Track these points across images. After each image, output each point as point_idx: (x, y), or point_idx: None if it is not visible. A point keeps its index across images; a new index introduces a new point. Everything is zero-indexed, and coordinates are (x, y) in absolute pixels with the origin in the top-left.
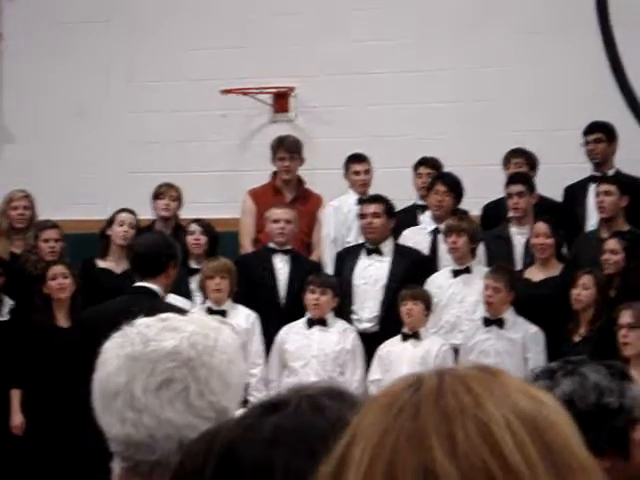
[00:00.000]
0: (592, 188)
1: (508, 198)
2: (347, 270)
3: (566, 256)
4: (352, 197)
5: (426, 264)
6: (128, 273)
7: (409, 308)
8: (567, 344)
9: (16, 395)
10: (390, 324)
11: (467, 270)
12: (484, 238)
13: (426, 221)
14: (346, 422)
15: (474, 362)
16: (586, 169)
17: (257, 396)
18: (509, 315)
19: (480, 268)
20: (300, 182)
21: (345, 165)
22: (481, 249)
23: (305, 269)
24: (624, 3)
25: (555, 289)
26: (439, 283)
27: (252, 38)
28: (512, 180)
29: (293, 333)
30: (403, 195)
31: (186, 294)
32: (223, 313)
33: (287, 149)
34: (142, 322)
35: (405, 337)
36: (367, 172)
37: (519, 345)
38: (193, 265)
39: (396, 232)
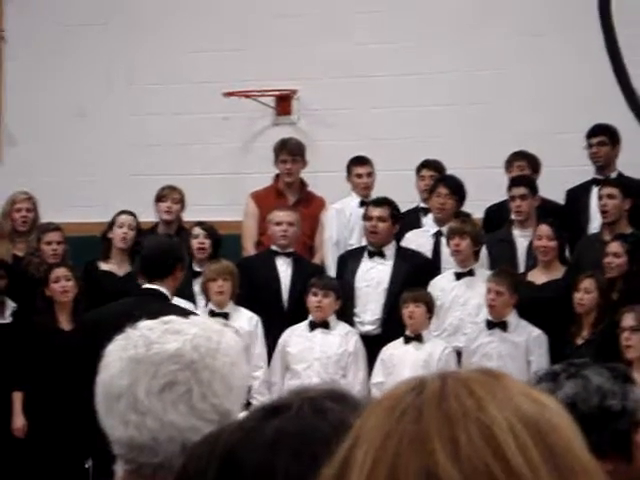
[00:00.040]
0: (595, 191)
1: (511, 201)
2: (349, 273)
3: (569, 259)
4: (354, 200)
5: (428, 267)
6: (131, 275)
7: (411, 311)
8: (570, 347)
9: (18, 397)
10: (392, 327)
11: (470, 273)
12: (487, 241)
13: (429, 224)
14: (348, 425)
15: (477, 365)
16: (588, 172)
17: (260, 399)
18: (512, 318)
19: (483, 271)
20: (302, 185)
21: (347, 168)
22: (484, 252)
23: (307, 272)
24: (626, 4)
25: (558, 292)
26: (442, 286)
27: (254, 40)
28: (515, 183)
29: (295, 336)
30: (406, 198)
31: (189, 297)
32: (225, 316)
33: (289, 152)
34: (145, 325)
35: (407, 340)
36: (369, 175)
37: (522, 348)
38: (196, 268)
39: (399, 235)
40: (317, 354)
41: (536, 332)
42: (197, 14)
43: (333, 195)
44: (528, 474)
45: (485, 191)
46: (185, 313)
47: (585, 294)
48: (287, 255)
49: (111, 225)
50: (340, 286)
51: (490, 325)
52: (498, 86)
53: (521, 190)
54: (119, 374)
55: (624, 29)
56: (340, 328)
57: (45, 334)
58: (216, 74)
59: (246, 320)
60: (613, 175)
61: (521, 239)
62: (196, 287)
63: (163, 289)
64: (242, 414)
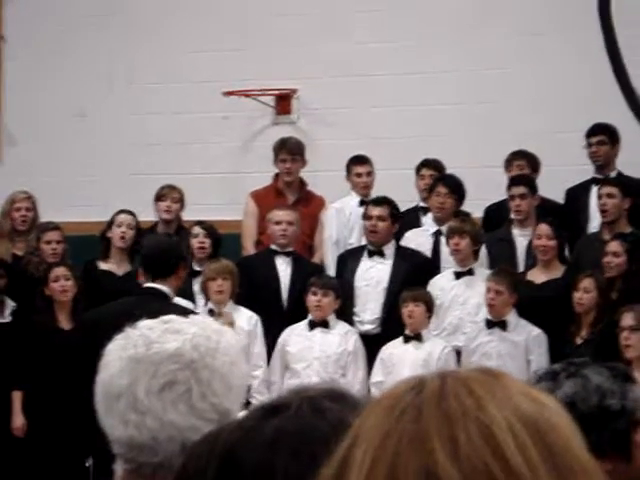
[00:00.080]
0: (594, 190)
1: (510, 200)
2: (349, 272)
3: (568, 258)
4: (354, 199)
5: (428, 266)
6: (130, 275)
7: (410, 310)
8: (569, 346)
9: (18, 397)
10: (392, 326)
11: (469, 272)
12: (486, 240)
13: (428, 223)
14: (347, 424)
15: (476, 364)
16: (588, 171)
17: (259, 398)
18: (511, 317)
19: (482, 270)
20: (302, 184)
21: (347, 167)
22: (483, 251)
23: (307, 271)
24: (626, 4)
25: (557, 291)
26: (441, 285)
27: (254, 40)
28: (514, 182)
29: (295, 335)
30: (405, 197)
31: (189, 296)
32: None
33: (289, 151)
34: (145, 324)
35: (407, 339)
36: (369, 174)
37: (522, 347)
38: (196, 267)
39: (398, 234)
40: (316, 353)
41: (536, 331)
42: (197, 14)
43: (333, 194)
44: (527, 473)
45: (485, 190)
46: (185, 312)
47: (584, 293)
48: (287, 254)
49: (110, 224)
50: (340, 285)
51: (490, 324)
52: (498, 86)
53: (520, 189)
54: (119, 373)
55: (624, 29)
56: (339, 327)
57: (44, 333)
58: (216, 73)
59: (245, 319)
60: (612, 174)
61: (520, 238)
62: (196, 286)
63: (165, 288)
64: (241, 413)
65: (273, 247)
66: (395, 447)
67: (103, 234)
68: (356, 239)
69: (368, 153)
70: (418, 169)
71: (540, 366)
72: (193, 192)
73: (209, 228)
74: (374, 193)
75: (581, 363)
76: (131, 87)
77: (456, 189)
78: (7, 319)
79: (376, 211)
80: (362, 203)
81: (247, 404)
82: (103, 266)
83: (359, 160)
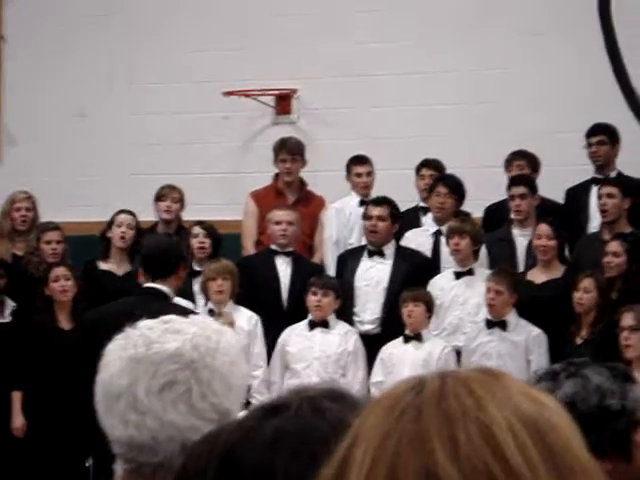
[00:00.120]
0: (594, 190)
1: (510, 200)
2: (349, 272)
3: (568, 258)
4: (354, 199)
5: (428, 266)
6: (130, 275)
7: (410, 310)
8: (569, 346)
9: (17, 397)
10: (392, 326)
11: (469, 272)
12: (486, 240)
13: (428, 223)
14: (347, 424)
15: (476, 364)
16: (588, 171)
17: (259, 398)
18: (511, 317)
19: (482, 270)
20: (302, 184)
21: (347, 167)
22: (483, 251)
23: (307, 271)
24: (626, 4)
25: (557, 291)
26: (441, 285)
27: (254, 40)
28: (514, 182)
29: (295, 335)
30: (405, 197)
31: (189, 296)
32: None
33: (289, 151)
34: (145, 324)
35: (407, 339)
36: (369, 174)
37: (522, 347)
38: (196, 267)
39: (398, 234)
40: (316, 353)
41: (536, 331)
42: (197, 14)
43: (333, 194)
44: (527, 473)
45: (484, 190)
46: (185, 312)
47: (584, 294)
48: (287, 254)
49: (110, 224)
50: (340, 285)
51: (490, 324)
52: (498, 86)
53: (520, 189)
54: (119, 373)
55: (624, 29)
56: (339, 327)
57: (44, 333)
58: (216, 73)
59: (245, 319)
60: (612, 174)
61: (521, 238)
62: (196, 286)
63: (165, 288)
64: (241, 413)
65: (273, 247)
66: (395, 447)
67: (103, 234)
68: (356, 239)
69: (368, 153)
70: (418, 169)
71: (540, 366)
72: (193, 192)
73: (209, 228)
74: (374, 193)
75: (581, 363)
76: (131, 87)
77: (456, 189)
78: (7, 319)
79: (376, 211)
80: (362, 203)
81: (247, 404)
82: (103, 266)
83: (359, 160)
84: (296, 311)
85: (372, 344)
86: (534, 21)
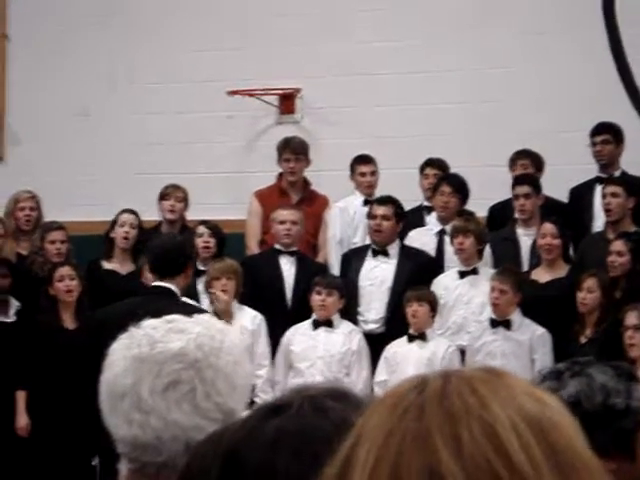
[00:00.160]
0: (598, 189)
1: (515, 200)
2: (353, 271)
3: (572, 257)
4: (358, 198)
5: (432, 265)
6: (134, 274)
7: (414, 310)
8: (574, 345)
9: (22, 396)
10: (396, 325)
11: (474, 271)
12: (490, 239)
13: (432, 222)
14: (350, 424)
15: (480, 364)
16: (592, 170)
17: (263, 397)
18: (516, 316)
19: (487, 269)
20: (306, 183)
21: (351, 166)
22: (488, 250)
23: (311, 270)
24: (630, 3)
25: (561, 290)
26: (446, 284)
27: (257, 39)
28: (518, 181)
29: (299, 334)
30: (409, 196)
31: (193, 295)
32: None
33: (293, 150)
34: (149, 324)
35: (411, 338)
36: (373, 173)
37: (526, 346)
38: (200, 267)
39: (402, 233)
40: (320, 353)
41: (540, 330)
42: (198, 13)
43: (337, 194)
44: (530, 472)
45: (489, 189)
46: (195, 310)
47: (588, 293)
48: (291, 254)
49: (113, 224)
50: (344, 285)
51: (494, 324)
52: (502, 85)
53: (525, 189)
54: (123, 373)
55: (628, 28)
56: (344, 327)
57: (49, 333)
58: (219, 73)
59: (249, 319)
60: (617, 173)
61: (525, 237)
62: (200, 286)
63: (173, 287)
64: (245, 413)
65: (277, 246)
66: (398, 446)
67: (107, 234)
68: (360, 238)
69: (372, 152)
70: (422, 168)
71: (544, 365)
72: (197, 191)
73: (213, 227)
74: (378, 192)
75: (585, 362)
76: (133, 87)
77: (460, 188)
78: (11, 319)
79: (380, 210)
80: (366, 202)
81: (251, 403)
82: (107, 265)
83: (363, 159)
84: (300, 310)
85: (376, 343)
86: (538, 20)
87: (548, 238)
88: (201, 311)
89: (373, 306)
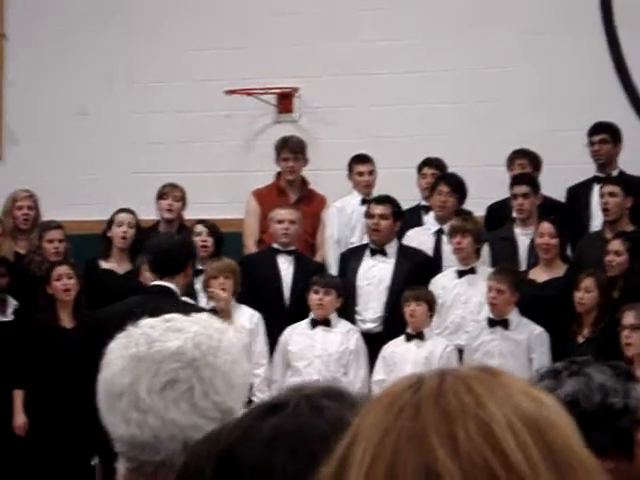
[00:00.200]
0: (596, 189)
1: (513, 199)
2: (351, 271)
3: (570, 257)
4: (356, 198)
5: (430, 265)
6: (131, 273)
7: (412, 309)
8: (571, 345)
9: (19, 395)
10: (394, 325)
11: (472, 271)
12: (488, 239)
13: (430, 222)
14: (346, 423)
15: (477, 363)
16: (589, 170)
17: (261, 396)
18: (514, 316)
19: (484, 269)
20: (304, 183)
21: (349, 166)
22: (485, 250)
23: (309, 270)
24: (628, 3)
25: (559, 290)
26: (444, 284)
27: (256, 38)
28: (517, 181)
29: (297, 334)
30: (407, 196)
31: (191, 295)
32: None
33: (291, 150)
34: (146, 323)
35: (409, 338)
36: (371, 173)
37: (524, 346)
38: (198, 266)
39: (400, 233)
40: (318, 352)
41: (538, 330)
42: (198, 12)
43: (334, 193)
44: (527, 471)
45: (487, 189)
46: (195, 310)
47: (585, 293)
48: (288, 253)
49: (110, 224)
50: (342, 284)
51: (492, 323)
52: (500, 85)
53: (523, 188)
54: (121, 372)
55: (628, 28)
56: (341, 326)
57: (47, 332)
58: (217, 72)
59: (247, 318)
60: (614, 173)
61: (523, 237)
62: (198, 285)
63: (173, 286)
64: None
65: (275, 246)
66: (394, 445)
67: (104, 234)
68: (358, 238)
69: (370, 152)
70: (420, 168)
71: (542, 365)
72: (195, 191)
73: (211, 227)
74: (376, 192)
75: (583, 362)
76: (132, 86)
77: (458, 188)
78: (9, 318)
79: (378, 209)
80: (364, 202)
81: (249, 402)
82: (104, 265)
83: (361, 159)
84: (298, 310)
85: (374, 343)
86: (535, 20)
87: (546, 237)
88: (200, 310)
89: (371, 305)
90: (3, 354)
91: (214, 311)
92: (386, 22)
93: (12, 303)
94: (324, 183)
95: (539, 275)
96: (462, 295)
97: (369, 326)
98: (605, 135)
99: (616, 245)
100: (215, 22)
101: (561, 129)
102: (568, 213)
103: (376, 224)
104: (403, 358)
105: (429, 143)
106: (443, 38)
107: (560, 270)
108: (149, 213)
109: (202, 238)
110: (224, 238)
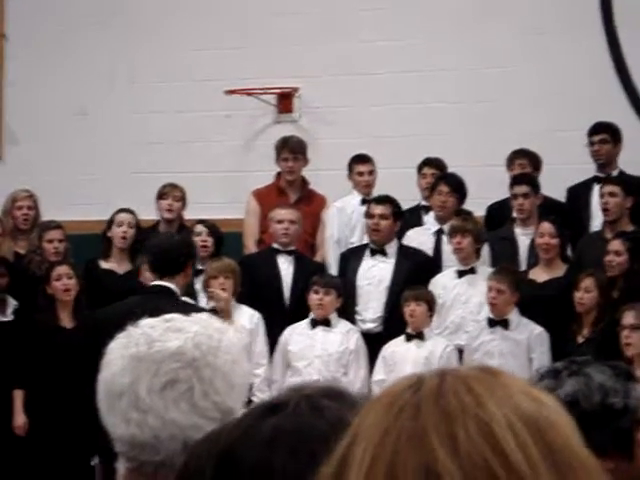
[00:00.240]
0: (596, 189)
1: (513, 199)
2: (351, 271)
3: (570, 257)
4: (356, 198)
5: (430, 265)
6: (131, 273)
7: (412, 309)
8: (571, 345)
9: (19, 395)
10: (394, 325)
11: (472, 271)
12: (488, 239)
13: (430, 222)
14: (346, 423)
15: (477, 363)
16: (589, 170)
17: (260, 396)
18: (514, 316)
19: (485, 269)
20: (304, 183)
21: (349, 166)
22: (485, 250)
23: (309, 270)
24: (628, 3)
25: (559, 290)
26: (444, 284)
27: (256, 38)
28: (517, 181)
29: (297, 334)
30: (407, 196)
31: (191, 295)
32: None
33: (291, 150)
34: (146, 323)
35: (409, 338)
36: (371, 173)
37: (524, 346)
38: (198, 266)
39: (400, 233)
40: (318, 352)
41: (538, 330)
42: (198, 12)
43: (334, 193)
44: (527, 471)
45: (487, 189)
46: (195, 309)
47: (585, 293)
48: (288, 253)
49: (110, 224)
50: (342, 284)
51: (492, 323)
52: (500, 84)
53: (523, 188)
54: (121, 372)
55: (629, 28)
56: (341, 326)
57: (46, 332)
58: (217, 72)
59: (247, 318)
60: (614, 173)
61: (523, 237)
62: (198, 285)
63: (173, 286)
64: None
65: (275, 246)
66: (394, 445)
67: (104, 234)
68: (358, 238)
69: (370, 152)
70: (420, 168)
71: (542, 364)
72: (195, 191)
73: (211, 227)
74: (376, 192)
75: (583, 361)
76: (132, 86)
77: (458, 188)
78: (9, 318)
79: (378, 209)
80: (364, 202)
81: (249, 402)
82: (104, 265)
83: (361, 159)
84: (298, 310)
85: (374, 343)
86: (535, 19)
87: (546, 237)
88: (200, 310)
89: (371, 305)
90: (3, 354)
91: (214, 311)
92: (386, 22)
93: (12, 303)
94: (324, 183)
95: (539, 275)
96: (462, 295)
97: (369, 326)
98: (605, 135)
99: (616, 245)
100: (215, 22)
101: (561, 129)
102: (568, 213)
103: (376, 224)
104: (403, 358)
105: (429, 143)
106: (443, 38)
107: (560, 270)
108: (149, 213)
109: (202, 238)
110: (224, 238)
